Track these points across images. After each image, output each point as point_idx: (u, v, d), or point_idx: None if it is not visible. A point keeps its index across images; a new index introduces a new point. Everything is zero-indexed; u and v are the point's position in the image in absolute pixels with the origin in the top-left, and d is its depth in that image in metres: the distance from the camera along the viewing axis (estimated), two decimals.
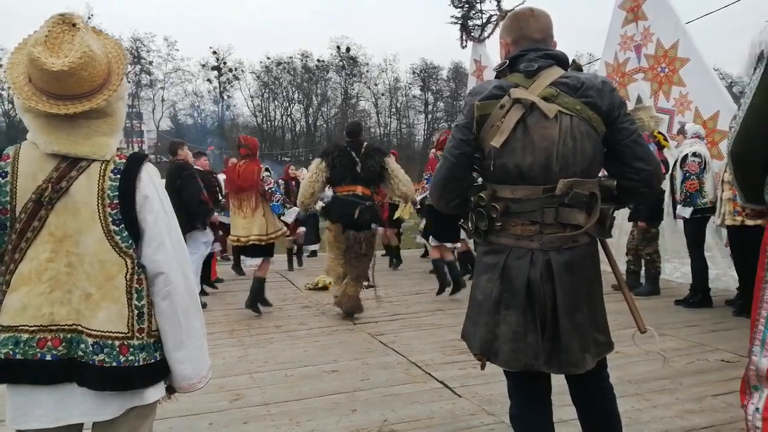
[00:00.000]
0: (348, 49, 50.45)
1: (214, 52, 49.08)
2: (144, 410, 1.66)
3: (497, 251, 1.91)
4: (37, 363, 1.52)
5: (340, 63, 51.11)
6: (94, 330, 1.55)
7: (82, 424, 1.63)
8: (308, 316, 5.81)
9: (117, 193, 1.60)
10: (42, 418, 1.55)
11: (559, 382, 2.05)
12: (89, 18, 43.61)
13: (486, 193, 1.90)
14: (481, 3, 10.50)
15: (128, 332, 1.57)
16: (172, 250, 1.66)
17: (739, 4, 7.96)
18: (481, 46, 10.50)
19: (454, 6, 10.61)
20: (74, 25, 1.55)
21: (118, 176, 1.61)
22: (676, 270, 6.97)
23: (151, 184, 1.65)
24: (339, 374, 3.99)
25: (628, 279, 6.40)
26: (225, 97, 50.84)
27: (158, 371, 1.63)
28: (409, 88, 54.37)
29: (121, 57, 1.66)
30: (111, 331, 1.56)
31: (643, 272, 6.31)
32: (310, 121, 52.05)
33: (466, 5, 10.51)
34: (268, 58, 50.13)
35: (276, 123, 52.96)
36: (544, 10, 2.03)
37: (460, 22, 10.60)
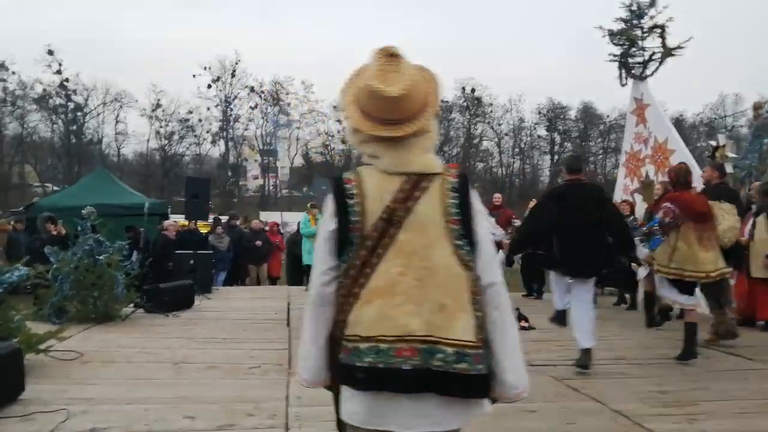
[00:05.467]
0: (473, 90, 50.78)
1: None
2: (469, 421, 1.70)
3: None
4: (396, 372, 1.59)
5: (464, 103, 51.52)
6: (454, 340, 1.61)
7: None
8: None
9: (458, 210, 1.70)
10: (399, 425, 1.62)
11: None
12: (236, 63, 47.80)
13: None
14: (643, 40, 10.11)
15: (475, 342, 1.64)
16: (497, 263, 1.78)
17: None
18: (643, 83, 10.08)
19: (614, 44, 10.29)
20: (395, 55, 1.71)
21: (456, 194, 1.72)
22: None
23: (478, 199, 1.77)
24: (540, 415, 3.86)
25: None
26: None
27: (491, 380, 1.68)
28: (534, 128, 53.51)
29: (431, 79, 1.80)
30: (467, 341, 1.62)
31: None
32: None
33: (627, 42, 10.17)
34: None
35: None
36: None
37: (619, 59, 10.27)
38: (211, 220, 13.31)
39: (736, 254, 7.13)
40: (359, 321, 1.65)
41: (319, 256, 1.76)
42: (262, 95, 49.77)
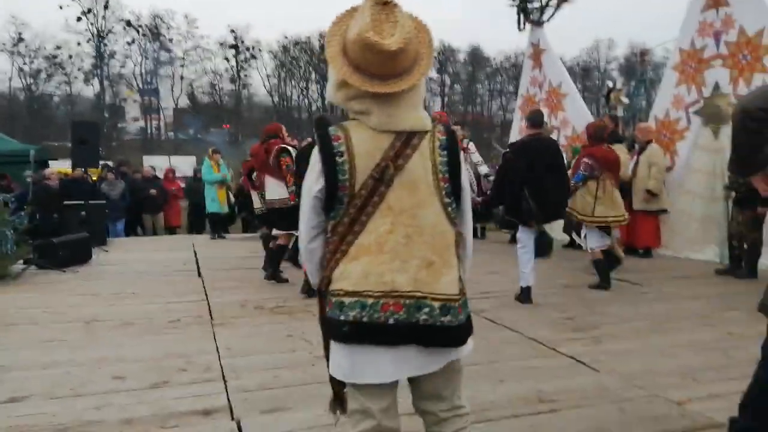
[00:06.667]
0: None
1: (232, 31, 48.85)
2: (458, 363, 1.80)
3: None
4: (381, 326, 1.63)
5: None
6: (440, 294, 1.67)
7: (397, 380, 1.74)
8: None
9: (447, 168, 1.72)
10: (379, 375, 1.67)
11: None
12: None
13: None
14: None
15: (459, 294, 1.71)
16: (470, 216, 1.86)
17: None
18: (539, 30, 10.42)
19: None
20: (389, 3, 1.62)
21: (445, 152, 1.73)
22: None
23: (462, 156, 1.79)
24: None
25: (731, 264, 6.54)
26: (242, 76, 50.74)
27: (472, 325, 1.78)
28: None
29: (423, 28, 1.74)
30: (452, 294, 1.69)
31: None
32: (326, 103, 51.91)
33: None
34: (286, 37, 49.90)
35: (292, 103, 52.87)
36: None
37: (518, 4, 10.51)
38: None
39: (622, 189, 7.84)
40: (345, 276, 1.66)
41: (305, 214, 1.76)
42: (140, 30, 46.00)
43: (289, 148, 6.10)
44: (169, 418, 2.91)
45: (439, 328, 1.66)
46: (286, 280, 6.30)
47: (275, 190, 6.07)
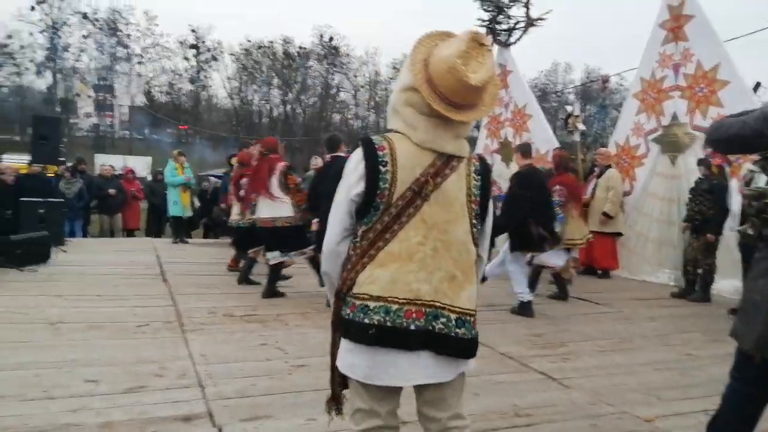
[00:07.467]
0: (331, 39, 50.13)
1: (193, 30, 48.04)
2: (464, 376, 1.88)
3: None
4: (403, 331, 1.72)
5: (322, 51, 50.71)
6: (458, 307, 1.77)
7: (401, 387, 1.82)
8: None
9: (479, 192, 1.84)
10: (398, 378, 1.75)
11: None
12: None
13: None
14: (509, 8, 10.70)
15: (474, 310, 1.82)
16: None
17: None
18: (507, 51, 10.73)
19: (483, 9, 10.79)
20: (483, 44, 1.73)
21: (480, 177, 1.85)
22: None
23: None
24: None
25: (686, 287, 6.84)
26: (202, 77, 49.90)
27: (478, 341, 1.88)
28: (390, 82, 54.44)
29: (498, 83, 1.89)
30: (469, 309, 1.79)
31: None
32: (287, 109, 51.53)
33: (495, 9, 10.70)
34: (249, 41, 49.37)
35: (253, 107, 52.27)
36: None
37: (487, 25, 10.79)
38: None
39: None
40: (372, 281, 1.73)
41: (338, 216, 1.82)
42: (97, 23, 44.72)
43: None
44: (148, 424, 2.88)
45: (453, 338, 1.75)
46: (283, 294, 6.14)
47: (278, 207, 5.84)
